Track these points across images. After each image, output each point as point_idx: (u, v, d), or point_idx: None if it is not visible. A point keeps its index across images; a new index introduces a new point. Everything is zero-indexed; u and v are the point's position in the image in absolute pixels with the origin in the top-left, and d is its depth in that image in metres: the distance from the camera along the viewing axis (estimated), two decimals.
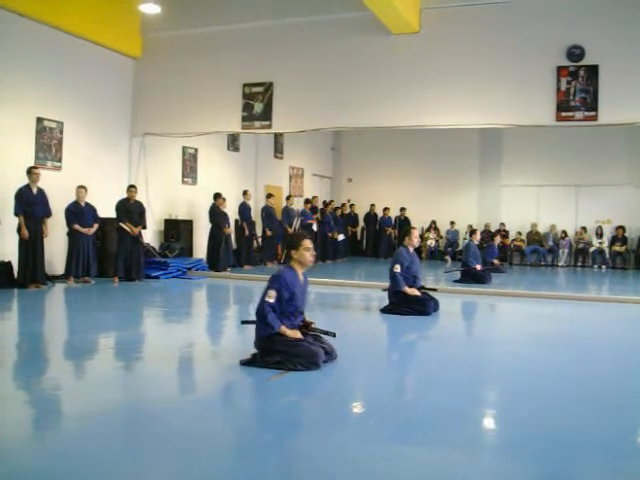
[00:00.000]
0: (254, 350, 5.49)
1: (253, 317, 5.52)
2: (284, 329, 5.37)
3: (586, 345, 7.15)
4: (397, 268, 8.68)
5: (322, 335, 5.66)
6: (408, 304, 8.63)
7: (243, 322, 6.06)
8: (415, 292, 8.70)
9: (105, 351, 6.38)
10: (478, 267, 13.22)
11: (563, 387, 5.09)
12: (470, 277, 13.06)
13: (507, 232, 19.60)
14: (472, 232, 14.28)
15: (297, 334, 5.41)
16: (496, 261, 15.42)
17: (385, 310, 8.81)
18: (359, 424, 4.15)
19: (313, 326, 5.68)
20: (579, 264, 19.29)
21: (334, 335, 5.63)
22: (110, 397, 4.59)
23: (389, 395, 4.87)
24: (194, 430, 3.85)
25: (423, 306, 8.61)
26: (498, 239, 16.69)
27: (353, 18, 12.33)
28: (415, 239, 9.03)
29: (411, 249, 8.99)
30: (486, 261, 14.55)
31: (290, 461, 3.46)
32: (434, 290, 9.27)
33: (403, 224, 20.86)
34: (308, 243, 5.59)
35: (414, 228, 9.22)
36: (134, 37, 13.98)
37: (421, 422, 4.17)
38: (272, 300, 5.35)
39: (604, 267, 18.51)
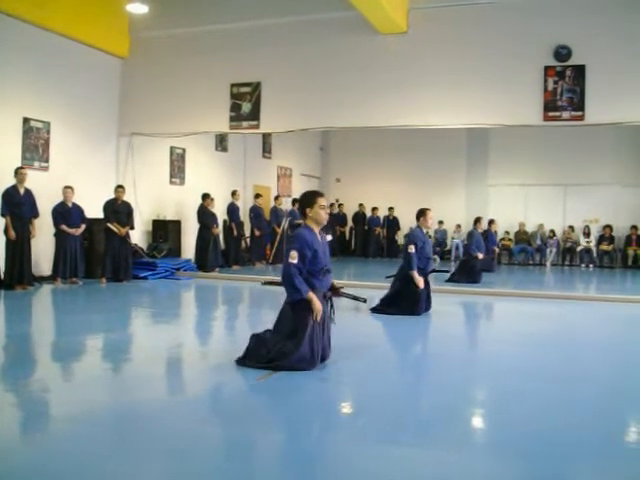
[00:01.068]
0: (244, 348, 5.49)
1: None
2: (311, 295, 5.30)
3: (575, 344, 7.19)
4: (412, 248, 8.62)
5: (333, 324, 5.67)
6: (399, 303, 8.60)
7: (265, 283, 6.05)
8: (421, 283, 8.54)
9: (93, 352, 6.34)
10: (480, 256, 13.25)
11: (553, 387, 5.10)
12: (465, 273, 13.07)
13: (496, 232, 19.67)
14: (477, 220, 14.06)
15: (319, 309, 5.32)
16: (497, 248, 15.50)
17: (375, 310, 8.80)
18: (350, 424, 4.15)
19: (342, 290, 5.67)
20: (567, 263, 19.39)
21: (365, 301, 5.60)
22: (99, 398, 4.57)
23: (380, 395, 4.87)
24: (184, 431, 3.84)
25: (414, 306, 8.60)
26: (494, 227, 16.60)
27: (341, 18, 12.33)
28: (430, 220, 8.96)
29: (425, 230, 8.97)
30: (488, 249, 14.54)
31: (280, 462, 3.45)
32: (446, 272, 9.18)
33: (391, 224, 20.98)
34: (323, 201, 5.55)
35: (429, 209, 9.03)
36: (121, 37, 13.92)
37: (412, 422, 4.18)
38: (295, 261, 5.30)
39: (591, 266, 18.62)
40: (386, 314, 8.56)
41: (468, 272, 13.07)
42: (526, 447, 3.65)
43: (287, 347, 5.28)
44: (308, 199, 5.57)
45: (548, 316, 9.62)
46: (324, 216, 5.56)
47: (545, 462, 3.44)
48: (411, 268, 8.58)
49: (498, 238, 19.39)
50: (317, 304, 5.29)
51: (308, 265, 5.38)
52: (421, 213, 8.98)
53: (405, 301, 8.61)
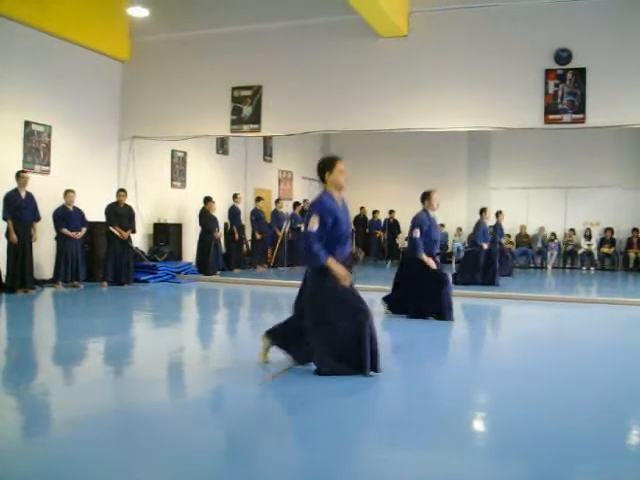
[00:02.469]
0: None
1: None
2: (331, 262, 5.15)
3: (576, 346, 7.18)
4: (417, 233, 8.35)
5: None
6: (419, 301, 8.40)
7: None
8: (431, 263, 8.32)
9: (95, 356, 6.34)
10: (485, 246, 13.17)
11: (553, 389, 5.09)
12: (469, 272, 13.01)
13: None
14: (482, 210, 13.88)
15: (342, 273, 5.17)
16: (503, 240, 15.34)
17: (391, 309, 8.70)
18: (351, 427, 4.14)
19: (359, 255, 5.63)
20: (568, 266, 19.39)
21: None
22: (101, 402, 4.57)
23: (380, 397, 4.87)
24: (186, 434, 3.83)
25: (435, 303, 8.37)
26: (502, 217, 15.81)
27: (342, 21, 12.34)
28: (435, 202, 8.60)
29: (431, 213, 8.65)
30: (495, 240, 14.36)
31: (279, 465, 3.44)
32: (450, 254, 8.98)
33: (392, 227, 20.98)
34: (341, 165, 5.49)
35: (434, 191, 8.71)
36: (123, 40, 13.94)
37: (413, 424, 4.17)
38: (315, 227, 5.17)
39: (592, 269, 18.61)
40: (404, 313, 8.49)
41: (471, 272, 12.97)
42: (528, 449, 3.64)
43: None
44: (327, 163, 5.50)
45: (549, 318, 9.62)
46: (343, 181, 5.48)
47: (547, 464, 3.43)
48: (417, 253, 8.32)
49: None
50: (339, 269, 5.15)
51: (329, 232, 5.26)
52: (426, 195, 8.68)
53: (422, 297, 8.39)
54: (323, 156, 5.67)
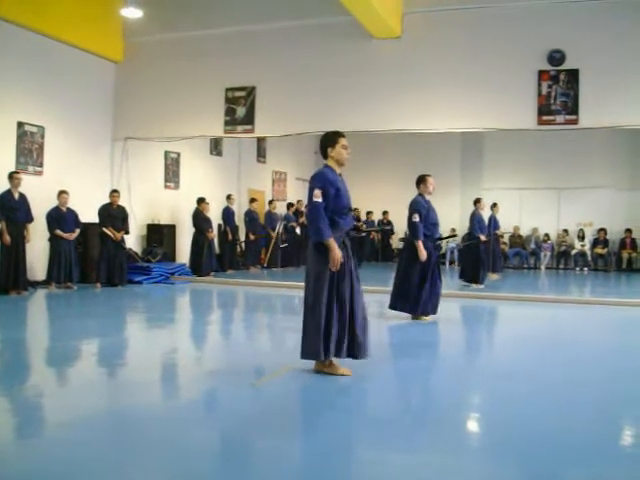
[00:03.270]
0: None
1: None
2: (332, 242, 5.12)
3: (571, 347, 7.18)
4: (416, 217, 8.21)
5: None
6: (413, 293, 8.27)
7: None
8: (423, 255, 8.12)
9: (88, 357, 6.32)
10: (482, 238, 13.12)
11: (548, 390, 5.10)
12: (467, 273, 13.01)
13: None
14: (477, 200, 13.76)
15: (338, 257, 5.11)
16: (499, 231, 15.25)
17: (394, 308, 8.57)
18: (345, 429, 4.14)
19: (363, 227, 5.61)
20: (561, 267, 19.44)
21: (381, 229, 5.50)
22: (94, 403, 4.55)
23: (374, 399, 4.87)
24: (179, 435, 3.82)
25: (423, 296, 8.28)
26: (497, 209, 15.66)
27: (335, 22, 12.33)
28: (430, 186, 8.42)
29: (427, 197, 8.48)
30: (490, 233, 14.24)
31: (273, 466, 3.44)
32: (454, 237, 8.90)
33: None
34: (345, 141, 5.49)
35: (429, 175, 8.53)
36: (116, 41, 13.89)
37: (408, 426, 4.17)
38: (320, 199, 5.20)
39: (586, 269, 18.66)
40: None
41: (469, 274, 12.96)
42: (523, 451, 3.65)
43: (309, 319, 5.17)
44: (330, 138, 5.48)
45: (544, 319, 9.63)
46: (345, 156, 5.50)
47: (542, 466, 3.43)
48: (417, 238, 8.17)
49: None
50: (336, 252, 5.11)
51: (332, 204, 5.29)
52: (421, 180, 8.50)
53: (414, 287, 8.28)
54: (326, 131, 5.64)
